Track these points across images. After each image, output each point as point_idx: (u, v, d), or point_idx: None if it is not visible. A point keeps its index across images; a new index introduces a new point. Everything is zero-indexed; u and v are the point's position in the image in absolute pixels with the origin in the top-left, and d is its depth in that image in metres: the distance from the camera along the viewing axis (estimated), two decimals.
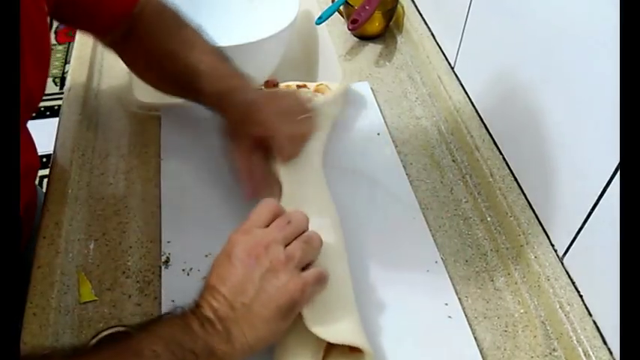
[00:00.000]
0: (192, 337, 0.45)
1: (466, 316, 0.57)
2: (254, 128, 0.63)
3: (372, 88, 0.82)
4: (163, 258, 0.60)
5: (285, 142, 0.64)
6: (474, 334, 0.56)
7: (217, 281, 0.48)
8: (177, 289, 0.57)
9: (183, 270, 0.59)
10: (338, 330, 0.50)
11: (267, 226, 0.51)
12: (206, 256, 0.59)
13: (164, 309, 0.56)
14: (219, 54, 0.68)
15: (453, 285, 0.60)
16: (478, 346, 0.55)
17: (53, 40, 2.25)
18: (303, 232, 0.52)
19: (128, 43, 0.68)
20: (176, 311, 0.47)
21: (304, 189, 0.63)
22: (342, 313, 0.52)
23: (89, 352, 0.45)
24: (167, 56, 0.67)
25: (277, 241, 0.49)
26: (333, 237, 0.57)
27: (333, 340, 0.49)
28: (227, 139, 0.66)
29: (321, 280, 0.50)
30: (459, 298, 0.58)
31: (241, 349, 0.46)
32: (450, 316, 0.57)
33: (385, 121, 0.78)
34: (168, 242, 0.62)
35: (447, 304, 0.58)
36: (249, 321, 0.46)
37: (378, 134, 0.76)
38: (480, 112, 0.75)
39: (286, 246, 0.49)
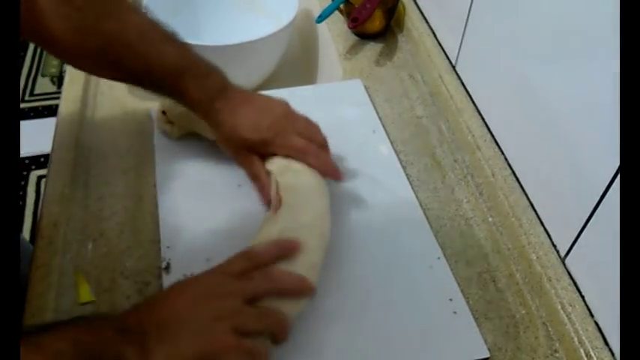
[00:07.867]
0: (101, 340, 0.42)
1: None
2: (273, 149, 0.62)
3: (365, 86, 0.82)
4: (164, 264, 0.59)
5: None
6: None
7: (160, 303, 0.47)
8: None
9: (185, 275, 0.58)
10: None
11: (240, 273, 0.49)
12: (207, 260, 0.58)
13: None
14: (179, 41, 0.59)
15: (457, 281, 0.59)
16: None
17: None
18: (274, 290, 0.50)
19: None
20: (91, 317, 0.45)
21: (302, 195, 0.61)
22: None
23: None
24: (113, 41, 0.56)
25: (236, 295, 0.47)
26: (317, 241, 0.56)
27: None
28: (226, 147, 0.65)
29: (254, 356, 0.46)
30: None
31: None
32: (455, 312, 0.57)
33: (380, 118, 0.77)
34: (168, 247, 0.60)
35: (451, 300, 0.58)
36: (171, 350, 0.44)
37: (374, 131, 0.75)
38: (481, 111, 0.75)
39: (247, 300, 0.47)
